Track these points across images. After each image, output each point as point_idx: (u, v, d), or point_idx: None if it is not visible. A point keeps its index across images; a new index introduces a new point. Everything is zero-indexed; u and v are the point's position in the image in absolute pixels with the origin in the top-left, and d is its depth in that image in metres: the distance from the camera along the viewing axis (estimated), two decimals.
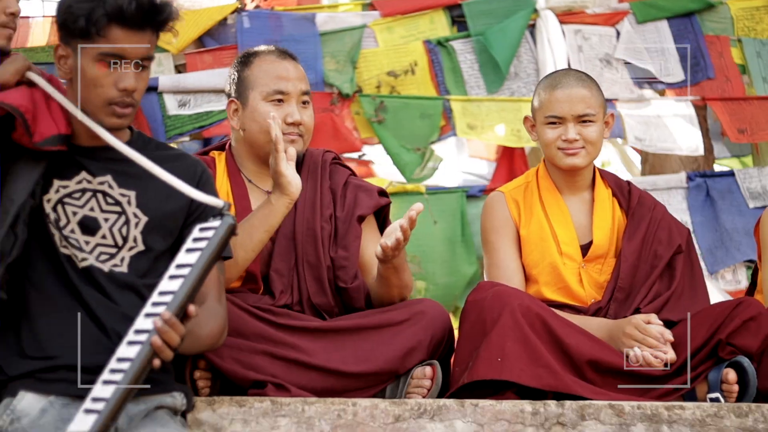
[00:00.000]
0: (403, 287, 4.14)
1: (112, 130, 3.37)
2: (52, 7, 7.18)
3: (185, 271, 3.09)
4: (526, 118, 4.70)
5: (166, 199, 3.44)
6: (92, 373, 3.12)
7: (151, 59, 3.39)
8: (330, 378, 3.93)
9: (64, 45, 3.38)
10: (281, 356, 3.89)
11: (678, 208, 6.39)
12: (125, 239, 3.38)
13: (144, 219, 3.41)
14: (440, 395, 4.04)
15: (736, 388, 4.12)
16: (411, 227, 3.92)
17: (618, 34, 7.07)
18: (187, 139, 6.87)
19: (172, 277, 3.11)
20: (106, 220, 3.39)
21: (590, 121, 4.45)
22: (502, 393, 3.98)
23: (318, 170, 4.31)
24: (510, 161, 7.02)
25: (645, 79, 7.02)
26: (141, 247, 3.40)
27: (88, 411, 2.97)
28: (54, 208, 3.37)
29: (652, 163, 7.15)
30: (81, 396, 3.15)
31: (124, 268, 3.36)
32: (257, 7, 7.14)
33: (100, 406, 2.96)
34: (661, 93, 7.17)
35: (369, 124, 6.64)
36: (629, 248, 4.47)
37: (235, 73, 4.33)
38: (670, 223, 4.61)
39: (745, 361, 4.12)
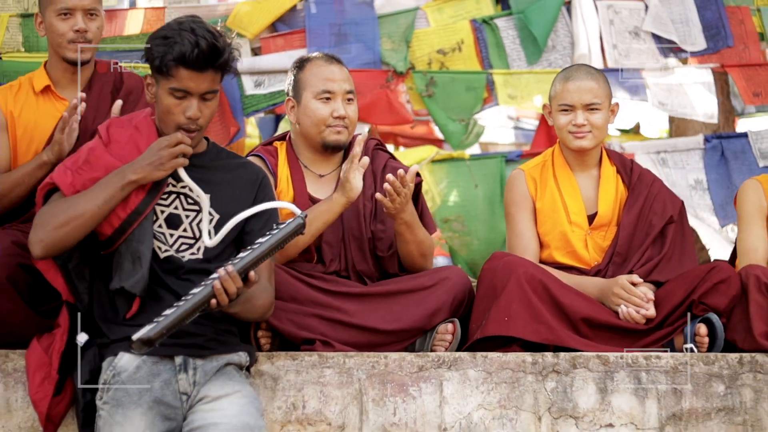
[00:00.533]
0: (420, 243, 4.90)
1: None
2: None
3: (255, 246, 3.95)
4: (544, 105, 5.47)
5: (233, 201, 4.28)
6: (176, 337, 3.99)
7: (215, 92, 4.21)
8: (368, 335, 4.75)
9: (150, 75, 4.23)
10: (328, 317, 4.72)
11: (695, 167, 6.95)
12: (201, 232, 4.24)
13: (216, 216, 4.26)
14: (460, 347, 4.86)
15: (706, 340, 4.87)
16: (403, 184, 4.69)
17: (646, 7, 7.51)
18: (262, 114, 7.61)
19: (244, 249, 3.98)
20: (187, 216, 4.25)
21: (597, 109, 5.20)
22: (509, 346, 4.77)
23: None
24: (547, 128, 7.57)
25: (670, 48, 7.48)
26: (214, 236, 4.25)
27: (153, 322, 3.83)
28: None
29: (678, 124, 7.76)
30: (167, 355, 4.05)
31: (200, 255, 4.22)
32: None
33: (160, 319, 3.82)
34: (684, 61, 7.61)
35: (420, 98, 7.24)
36: (628, 218, 5.23)
37: (292, 76, 5.13)
38: (665, 196, 5.33)
39: (715, 318, 4.88)
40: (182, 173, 4.18)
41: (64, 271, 4.20)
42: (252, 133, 8.63)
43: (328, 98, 4.98)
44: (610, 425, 4.67)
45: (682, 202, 5.40)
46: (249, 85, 7.15)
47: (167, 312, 3.83)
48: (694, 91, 7.20)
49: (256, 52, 7.35)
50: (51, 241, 4.08)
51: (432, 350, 4.80)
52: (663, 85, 7.16)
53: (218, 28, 4.21)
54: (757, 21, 7.50)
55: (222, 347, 4.19)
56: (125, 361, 4.08)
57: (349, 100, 5.04)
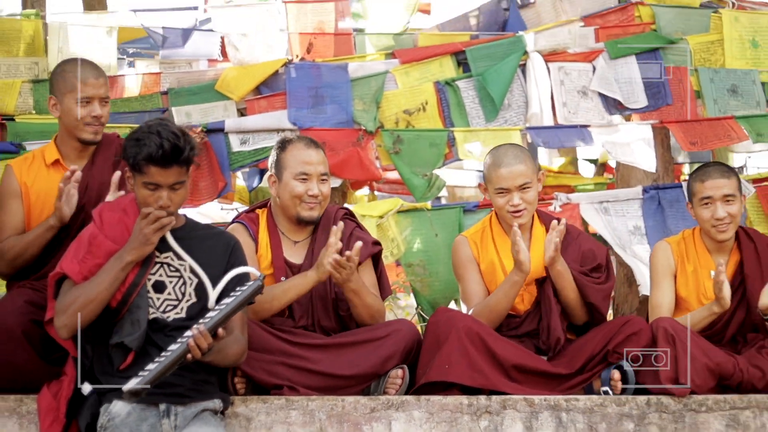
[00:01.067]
0: (368, 306, 5.64)
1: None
2: (142, 65, 8.61)
3: (221, 307, 4.75)
4: (480, 184, 6.23)
5: (211, 266, 5.06)
6: (159, 387, 4.77)
7: (183, 183, 4.98)
8: (329, 380, 5.50)
9: (129, 170, 5.02)
10: (294, 365, 5.47)
11: (634, 215, 7.47)
12: (183, 295, 5.02)
13: (195, 280, 5.04)
14: (408, 389, 5.62)
15: (620, 384, 5.63)
16: (349, 261, 5.45)
17: (594, 69, 8.06)
18: (247, 169, 8.25)
19: (212, 310, 4.77)
20: (170, 282, 5.03)
21: (528, 188, 5.95)
22: (449, 390, 5.53)
23: (330, 223, 5.81)
24: None
25: (614, 107, 8.03)
26: (194, 299, 5.03)
27: (139, 375, 4.60)
28: None
29: (622, 173, 8.44)
30: (153, 403, 4.84)
31: (183, 315, 5.00)
32: (302, 59, 8.18)
33: (145, 374, 4.59)
34: (628, 118, 8.09)
35: (388, 154, 7.70)
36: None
37: (275, 155, 5.88)
38: (591, 246, 6.08)
39: (627, 365, 5.64)
40: (173, 243, 4.99)
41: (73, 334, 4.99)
42: (239, 184, 9.27)
43: (304, 179, 5.74)
44: None
45: (608, 250, 6.17)
46: (235, 143, 7.65)
47: (150, 366, 4.63)
48: (636, 145, 7.84)
49: (242, 112, 7.88)
50: (73, 325, 4.88)
51: (385, 392, 5.55)
52: (608, 139, 7.83)
53: (183, 128, 5.01)
54: (694, 80, 8.03)
55: (199, 395, 4.99)
56: (118, 407, 4.88)
57: (323, 180, 5.79)
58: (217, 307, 4.79)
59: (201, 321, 4.74)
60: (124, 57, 8.55)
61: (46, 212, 5.73)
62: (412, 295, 7.53)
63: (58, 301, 4.94)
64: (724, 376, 5.70)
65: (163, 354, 4.68)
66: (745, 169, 9.85)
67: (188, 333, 4.70)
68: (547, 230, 6.01)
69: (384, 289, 5.86)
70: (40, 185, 5.79)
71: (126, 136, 5.05)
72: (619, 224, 7.53)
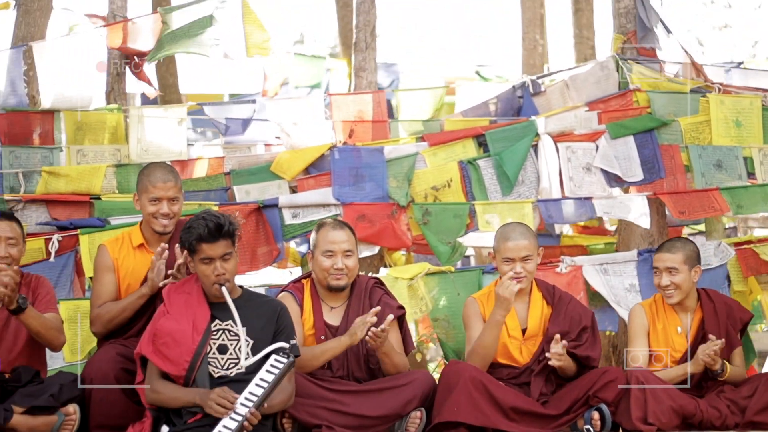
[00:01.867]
0: (395, 365, 6.84)
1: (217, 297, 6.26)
2: (211, 149, 9.77)
3: (264, 384, 6.00)
4: (489, 252, 7.41)
5: (261, 329, 6.32)
6: None
7: (231, 254, 6.25)
8: (360, 420, 6.70)
9: (187, 254, 6.31)
10: (331, 408, 6.69)
11: (630, 274, 8.51)
12: (240, 355, 6.28)
13: (251, 341, 6.31)
14: (425, 428, 6.82)
15: (599, 423, 6.82)
16: (380, 335, 6.62)
17: (597, 147, 9.02)
18: (298, 240, 9.33)
19: (257, 385, 6.02)
20: (231, 344, 6.30)
21: (529, 259, 7.14)
22: (458, 428, 6.75)
23: (362, 291, 7.06)
24: None
25: (614, 181, 9.01)
26: (249, 356, 6.29)
27: None
28: None
29: (623, 237, 9.47)
30: None
31: (242, 371, 6.26)
32: (344, 144, 9.14)
33: None
34: (626, 190, 9.13)
35: (418, 225, 8.68)
36: (552, 329, 7.15)
37: (312, 236, 7.13)
38: (579, 311, 7.27)
39: (604, 407, 6.82)
40: (234, 312, 6.25)
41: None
42: (293, 247, 10.38)
43: (330, 255, 6.98)
44: None
45: (593, 313, 7.35)
46: (288, 217, 8.64)
47: None
48: (632, 214, 8.91)
49: (293, 190, 8.82)
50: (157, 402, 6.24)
51: (406, 430, 6.75)
52: (609, 206, 8.90)
53: (226, 214, 6.30)
54: (684, 156, 9.06)
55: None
56: None
57: (347, 255, 7.00)
58: (258, 383, 6.04)
59: (248, 398, 5.98)
60: (193, 143, 9.66)
61: (131, 286, 6.97)
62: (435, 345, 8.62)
63: (149, 380, 6.26)
64: (687, 416, 6.86)
65: (226, 427, 5.93)
66: (737, 231, 10.82)
67: (244, 411, 5.93)
68: (543, 296, 7.21)
69: (407, 345, 7.08)
70: (128, 263, 7.03)
71: (183, 227, 6.35)
72: (616, 283, 8.57)
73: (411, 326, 8.71)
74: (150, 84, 9.32)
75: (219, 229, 6.23)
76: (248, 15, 9.10)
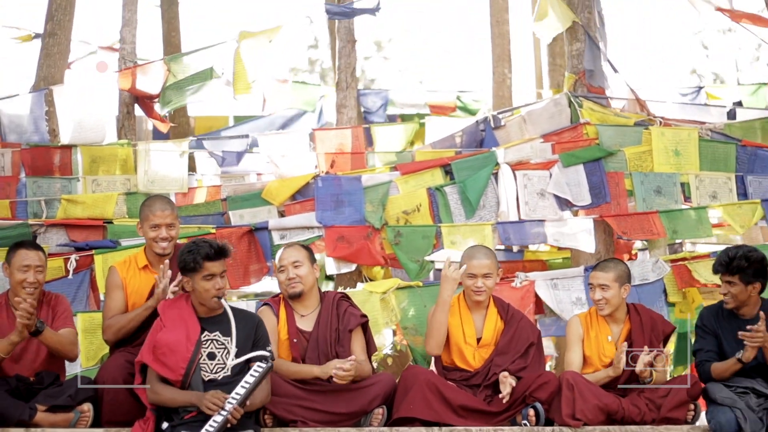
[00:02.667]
0: (361, 376, 7.78)
1: (214, 308, 7.35)
2: (210, 179, 10.88)
3: (246, 385, 7.11)
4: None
5: (245, 342, 7.41)
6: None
7: (225, 271, 7.33)
8: (331, 416, 7.70)
9: (185, 277, 7.41)
10: (305, 406, 7.68)
11: (577, 288, 9.48)
12: (227, 361, 7.40)
13: (236, 349, 7.42)
14: (386, 423, 7.89)
15: (534, 419, 7.87)
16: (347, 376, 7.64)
17: (551, 175, 10.00)
18: None
19: (241, 386, 7.14)
20: (219, 351, 7.41)
21: (489, 276, 8.18)
22: (413, 423, 7.80)
23: (330, 303, 8.04)
24: None
25: (565, 205, 10.02)
26: (234, 362, 7.40)
27: None
28: None
29: (574, 255, 10.52)
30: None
31: (228, 374, 7.37)
32: (326, 173, 10.10)
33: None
34: (575, 213, 10.11)
35: (391, 245, 9.67)
36: (503, 341, 8.12)
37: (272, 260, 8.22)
38: (527, 327, 8.31)
39: (539, 405, 7.87)
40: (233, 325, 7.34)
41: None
42: None
43: (282, 270, 8.03)
44: None
45: (540, 332, 8.42)
46: (276, 238, 9.62)
47: (208, 428, 6.97)
48: (581, 234, 9.91)
49: (281, 214, 9.83)
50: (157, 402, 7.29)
51: (370, 425, 7.80)
52: (559, 230, 9.95)
53: (215, 240, 7.39)
54: (628, 182, 10.09)
55: (241, 427, 7.28)
56: None
57: (296, 266, 7.97)
58: (243, 385, 7.09)
59: (233, 397, 7.03)
60: (193, 174, 10.77)
61: (137, 302, 7.96)
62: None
63: (150, 383, 7.29)
64: (611, 413, 7.91)
65: (214, 420, 7.03)
66: (682, 246, 11.78)
67: (228, 407, 7.01)
68: (498, 312, 8.23)
69: (370, 348, 8.12)
70: (134, 282, 8.03)
71: (180, 252, 7.41)
72: (564, 297, 9.59)
73: (389, 333, 9.80)
74: (162, 120, 10.39)
75: (221, 250, 7.33)
76: (238, 63, 10.20)
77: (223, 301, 7.37)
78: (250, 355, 7.29)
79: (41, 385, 7.67)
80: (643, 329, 8.25)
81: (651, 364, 8.05)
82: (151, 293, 7.91)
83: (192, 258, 7.31)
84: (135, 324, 7.88)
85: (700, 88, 14.29)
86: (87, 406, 7.63)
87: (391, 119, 14.18)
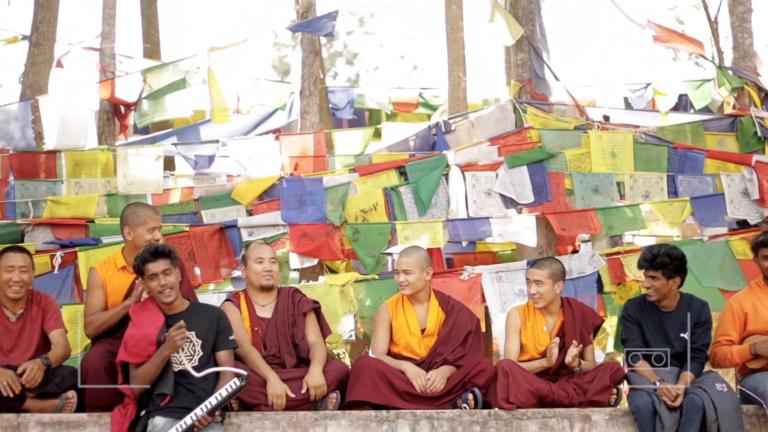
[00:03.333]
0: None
1: (169, 303, 8.07)
2: (184, 180, 11.60)
3: (219, 397, 7.80)
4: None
5: (207, 334, 8.17)
6: (186, 411, 7.95)
7: (170, 270, 8.02)
8: (291, 401, 8.56)
9: (141, 280, 8.18)
10: (266, 392, 8.61)
11: (520, 281, 10.06)
12: (194, 352, 8.19)
13: (200, 342, 8.19)
14: (340, 406, 8.65)
15: (473, 402, 8.64)
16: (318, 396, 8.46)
17: (497, 175, 10.63)
18: None
19: (214, 397, 7.85)
20: (187, 345, 8.18)
21: (410, 272, 8.90)
22: (364, 407, 8.61)
23: (286, 294, 8.81)
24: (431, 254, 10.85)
25: (510, 203, 10.68)
26: (200, 353, 8.18)
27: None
28: None
29: (519, 250, 11.24)
30: (179, 417, 7.94)
31: (196, 363, 8.15)
32: (291, 175, 10.69)
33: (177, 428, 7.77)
34: (519, 211, 10.76)
35: (349, 241, 10.30)
36: (444, 331, 8.91)
37: (242, 253, 8.98)
38: (467, 317, 9.09)
39: (477, 390, 8.65)
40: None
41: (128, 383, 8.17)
42: None
43: (260, 261, 8.83)
44: None
45: (479, 320, 9.23)
46: (245, 235, 10.30)
47: (178, 427, 7.75)
48: (524, 231, 10.68)
49: (250, 213, 10.47)
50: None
51: (326, 408, 8.57)
52: (503, 227, 10.70)
53: (163, 243, 8.13)
54: (568, 182, 10.76)
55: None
56: (158, 420, 7.92)
57: (272, 262, 8.80)
58: (216, 396, 7.82)
59: (204, 407, 7.76)
60: (168, 175, 11.46)
61: (116, 300, 8.61)
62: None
63: (132, 375, 8.01)
64: (542, 397, 8.71)
65: (184, 422, 7.74)
66: (622, 239, 12.52)
67: (199, 412, 7.75)
68: (439, 303, 8.99)
69: (324, 331, 8.90)
70: (113, 282, 8.68)
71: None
72: (507, 288, 10.33)
73: (348, 321, 10.55)
74: (125, 127, 11.12)
75: (157, 252, 8.06)
76: (212, 82, 10.93)
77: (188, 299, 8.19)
78: (220, 369, 8.03)
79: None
80: (575, 321, 9.01)
81: (581, 355, 8.86)
82: (129, 292, 8.60)
83: (136, 264, 8.10)
84: (114, 321, 8.55)
85: (648, 84, 15.03)
86: (71, 393, 8.35)
87: (358, 114, 14.97)
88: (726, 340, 8.86)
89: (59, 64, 14.23)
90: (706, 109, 14.08)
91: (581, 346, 8.81)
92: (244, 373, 7.96)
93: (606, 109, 12.30)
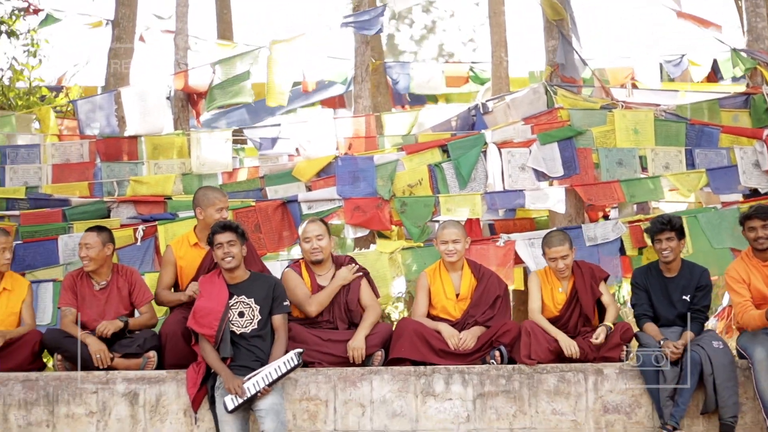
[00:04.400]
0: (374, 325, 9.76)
1: (229, 270, 9.19)
2: (250, 160, 12.59)
3: (278, 371, 8.86)
4: (434, 239, 10.27)
5: (265, 300, 9.28)
6: (247, 370, 9.09)
7: (234, 242, 9.08)
8: (340, 359, 9.45)
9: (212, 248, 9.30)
10: (320, 350, 9.44)
11: None
12: (253, 316, 9.29)
13: (258, 308, 9.30)
14: (384, 363, 9.73)
15: (499, 358, 9.68)
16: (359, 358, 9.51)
17: (530, 151, 11.37)
18: None
19: (275, 370, 8.93)
20: (247, 310, 9.29)
21: (457, 242, 10.02)
22: (404, 363, 9.65)
23: (342, 264, 9.96)
24: (469, 226, 11.32)
25: (542, 177, 11.45)
26: (259, 317, 9.27)
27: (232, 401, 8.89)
28: None
29: (551, 216, 12.15)
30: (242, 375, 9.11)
31: (255, 326, 9.26)
32: (345, 154, 11.50)
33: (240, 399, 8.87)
34: (550, 183, 11.52)
35: (397, 213, 11.10)
36: (476, 295, 9.94)
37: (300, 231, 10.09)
38: (496, 282, 10.15)
39: (503, 348, 9.68)
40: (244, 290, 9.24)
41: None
42: None
43: (308, 240, 9.89)
44: (450, 399, 9.37)
45: (506, 285, 10.27)
46: (305, 209, 11.14)
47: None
48: (552, 201, 11.61)
49: (309, 188, 11.29)
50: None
51: (372, 364, 9.65)
52: (538, 196, 11.59)
53: (230, 220, 9.18)
54: (595, 156, 11.49)
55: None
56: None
57: (319, 238, 9.75)
58: (276, 370, 8.84)
59: (264, 378, 8.75)
60: (240, 148, 12.38)
61: (190, 273, 9.58)
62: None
63: (200, 342, 9.07)
64: (559, 354, 9.76)
65: (249, 389, 8.78)
66: (649, 208, 13.33)
67: (261, 383, 8.76)
68: (471, 271, 10.04)
69: (376, 293, 9.88)
70: (186, 258, 9.67)
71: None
72: (538, 252, 11.22)
73: (398, 283, 11.54)
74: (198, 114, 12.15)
75: (226, 226, 9.07)
76: (271, 70, 11.92)
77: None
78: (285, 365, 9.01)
79: (117, 338, 9.44)
80: (584, 278, 9.93)
81: (597, 308, 9.84)
82: (201, 265, 9.62)
83: (209, 235, 9.09)
84: (172, 305, 9.56)
85: (683, 55, 15.76)
86: (152, 353, 9.39)
87: (413, 98, 15.83)
88: (744, 301, 9.50)
89: (141, 39, 15.30)
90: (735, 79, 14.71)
91: (602, 337, 9.63)
92: (300, 350, 8.93)
93: (626, 91, 13.00)
